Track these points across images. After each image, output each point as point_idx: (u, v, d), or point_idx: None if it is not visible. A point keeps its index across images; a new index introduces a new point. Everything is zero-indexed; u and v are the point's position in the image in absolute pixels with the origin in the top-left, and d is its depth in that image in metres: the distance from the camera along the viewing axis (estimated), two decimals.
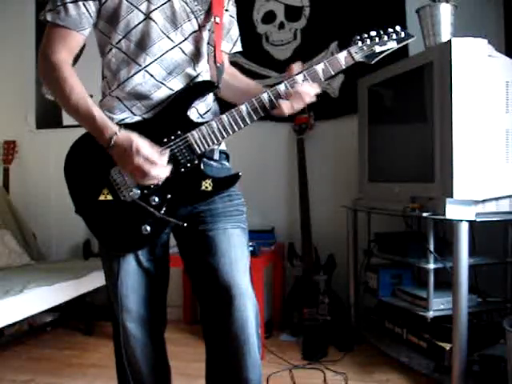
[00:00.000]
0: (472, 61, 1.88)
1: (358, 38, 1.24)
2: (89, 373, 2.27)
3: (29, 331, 2.68)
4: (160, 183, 1.18)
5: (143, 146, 1.12)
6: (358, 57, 1.23)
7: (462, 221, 1.83)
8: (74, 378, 2.22)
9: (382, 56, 1.25)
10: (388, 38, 1.25)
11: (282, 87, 1.21)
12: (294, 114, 1.25)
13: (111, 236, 1.26)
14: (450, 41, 1.89)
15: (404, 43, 1.27)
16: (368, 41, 1.24)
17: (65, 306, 2.72)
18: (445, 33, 2.17)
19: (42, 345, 2.65)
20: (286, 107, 1.21)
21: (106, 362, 2.26)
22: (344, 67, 1.24)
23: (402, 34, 1.25)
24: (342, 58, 1.23)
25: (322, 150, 2.89)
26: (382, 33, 1.25)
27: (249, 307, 1.19)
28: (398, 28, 1.26)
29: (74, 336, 2.78)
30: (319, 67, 1.22)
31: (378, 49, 1.24)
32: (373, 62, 1.25)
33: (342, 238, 2.66)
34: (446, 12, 2.16)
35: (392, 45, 1.25)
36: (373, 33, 1.24)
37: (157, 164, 1.13)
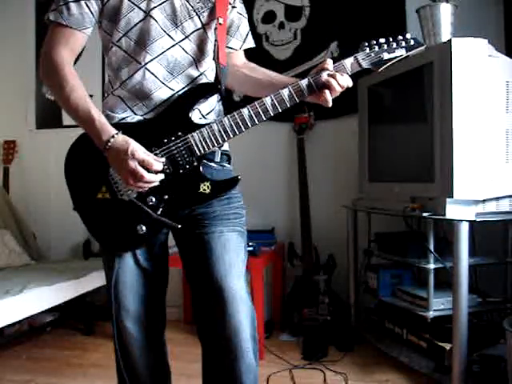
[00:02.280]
0: (472, 61, 1.87)
1: (366, 44, 1.22)
2: (89, 373, 2.27)
3: (29, 331, 2.68)
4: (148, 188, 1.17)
5: (139, 150, 1.13)
6: (365, 63, 1.22)
7: (462, 221, 1.83)
8: (73, 378, 2.21)
9: (389, 64, 1.23)
10: (397, 45, 1.22)
11: (285, 92, 1.20)
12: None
13: (107, 234, 1.26)
14: (450, 41, 1.89)
15: (414, 52, 1.24)
16: (376, 47, 1.21)
17: (65, 306, 2.72)
18: (445, 33, 2.17)
19: (41, 345, 2.65)
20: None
21: (106, 362, 2.26)
22: (350, 73, 1.22)
23: (412, 42, 1.23)
24: (349, 64, 1.21)
25: (322, 150, 2.89)
26: (390, 40, 1.23)
27: (242, 312, 1.19)
28: (408, 35, 1.23)
29: (74, 336, 2.78)
30: (324, 74, 1.20)
31: (386, 56, 1.22)
32: (380, 69, 1.23)
33: (342, 238, 2.65)
34: (446, 12, 2.16)
35: (401, 52, 1.23)
36: (381, 39, 1.22)
37: (152, 168, 1.13)
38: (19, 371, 2.28)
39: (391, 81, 2.26)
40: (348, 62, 1.22)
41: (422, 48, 1.25)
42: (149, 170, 1.13)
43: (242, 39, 1.42)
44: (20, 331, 2.62)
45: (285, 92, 1.20)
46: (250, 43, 1.44)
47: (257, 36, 2.95)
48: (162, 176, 1.16)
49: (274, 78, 1.36)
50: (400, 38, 1.23)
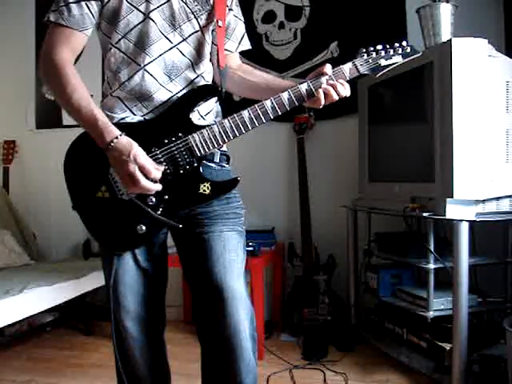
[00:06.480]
0: (472, 61, 1.88)
1: (364, 50, 1.25)
2: (89, 373, 2.27)
3: (29, 331, 2.68)
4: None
5: (141, 155, 1.13)
6: (363, 69, 1.24)
7: (462, 221, 1.83)
8: (74, 378, 2.21)
9: (387, 70, 1.26)
10: (394, 52, 1.26)
11: (285, 96, 1.21)
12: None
13: (106, 234, 1.26)
14: (450, 41, 1.90)
15: (409, 59, 1.27)
16: (374, 54, 1.24)
17: (65, 306, 2.72)
18: (445, 33, 2.17)
19: (42, 345, 2.65)
20: None
21: (106, 361, 2.26)
22: (348, 79, 1.24)
23: (408, 49, 1.27)
24: (347, 69, 1.24)
25: (322, 150, 2.89)
26: (388, 47, 1.26)
27: (241, 311, 1.19)
28: (404, 43, 1.27)
29: (74, 336, 2.78)
30: (324, 79, 1.22)
31: (383, 62, 1.25)
32: (378, 75, 1.26)
33: (342, 238, 2.66)
34: (446, 12, 2.16)
35: (397, 59, 1.26)
36: (379, 46, 1.25)
37: (150, 175, 1.13)
38: (19, 371, 2.28)
39: (391, 81, 2.26)
40: (346, 67, 1.24)
41: (418, 55, 1.28)
42: (147, 177, 1.13)
43: (237, 41, 1.42)
44: (20, 331, 2.62)
45: (285, 96, 1.21)
46: (246, 45, 1.45)
47: (257, 36, 2.95)
48: (159, 186, 1.16)
49: (271, 81, 1.36)
50: (397, 45, 1.27)
